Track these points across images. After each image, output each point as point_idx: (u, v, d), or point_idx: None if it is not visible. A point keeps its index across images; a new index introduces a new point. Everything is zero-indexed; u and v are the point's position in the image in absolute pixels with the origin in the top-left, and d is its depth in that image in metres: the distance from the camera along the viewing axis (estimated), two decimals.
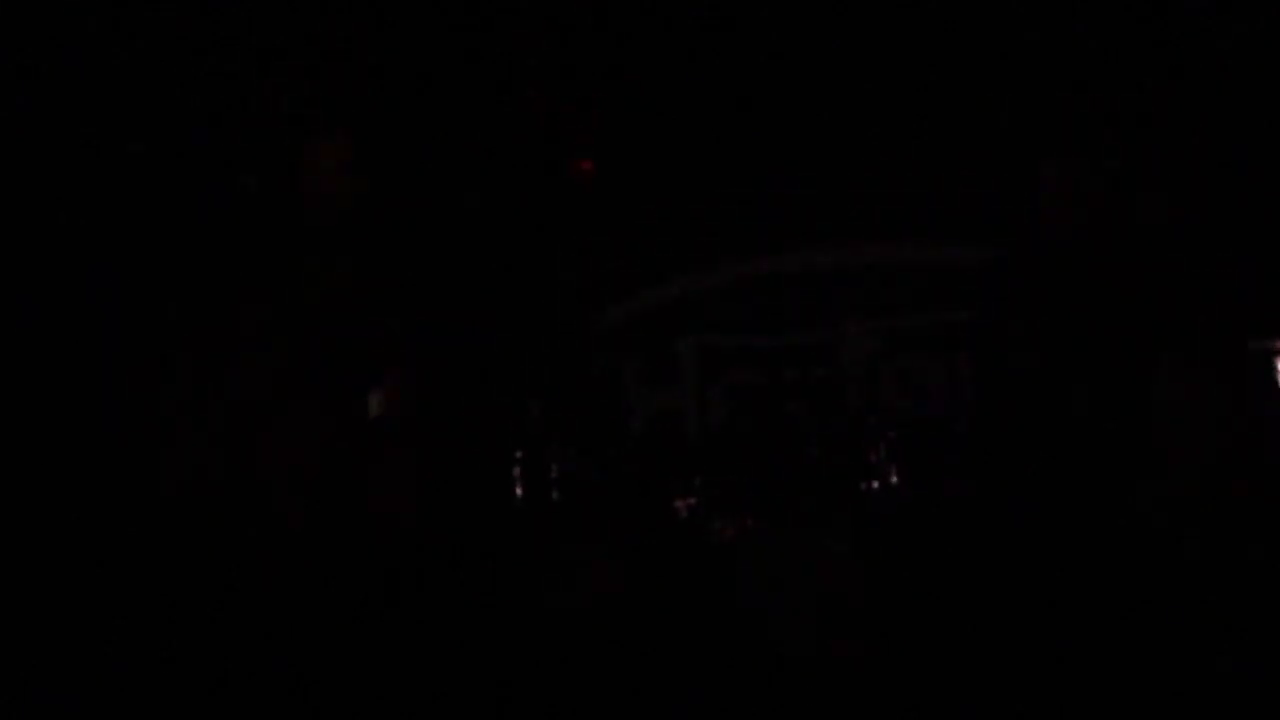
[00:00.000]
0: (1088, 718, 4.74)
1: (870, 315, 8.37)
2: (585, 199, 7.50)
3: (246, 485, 5.45)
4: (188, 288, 5.66)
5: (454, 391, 6.60)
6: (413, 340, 6.47)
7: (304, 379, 5.72)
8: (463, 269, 6.76)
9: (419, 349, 6.51)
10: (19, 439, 5.09)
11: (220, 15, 5.74)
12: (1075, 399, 6.08)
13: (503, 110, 6.68)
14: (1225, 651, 4.82)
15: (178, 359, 5.56)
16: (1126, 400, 5.87)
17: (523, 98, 6.72)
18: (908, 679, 4.93)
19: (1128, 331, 5.95)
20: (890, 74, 6.87)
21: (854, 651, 4.96)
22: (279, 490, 5.49)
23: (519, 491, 7.14)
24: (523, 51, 6.57)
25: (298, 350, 5.76)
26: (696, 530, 7.06)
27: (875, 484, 7.45)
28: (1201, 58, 5.78)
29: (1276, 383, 6.06)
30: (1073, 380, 6.11)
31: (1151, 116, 5.91)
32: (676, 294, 8.47)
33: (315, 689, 4.93)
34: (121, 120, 5.53)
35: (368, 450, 6.02)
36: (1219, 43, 5.71)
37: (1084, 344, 6.10)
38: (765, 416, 8.26)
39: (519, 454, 7.17)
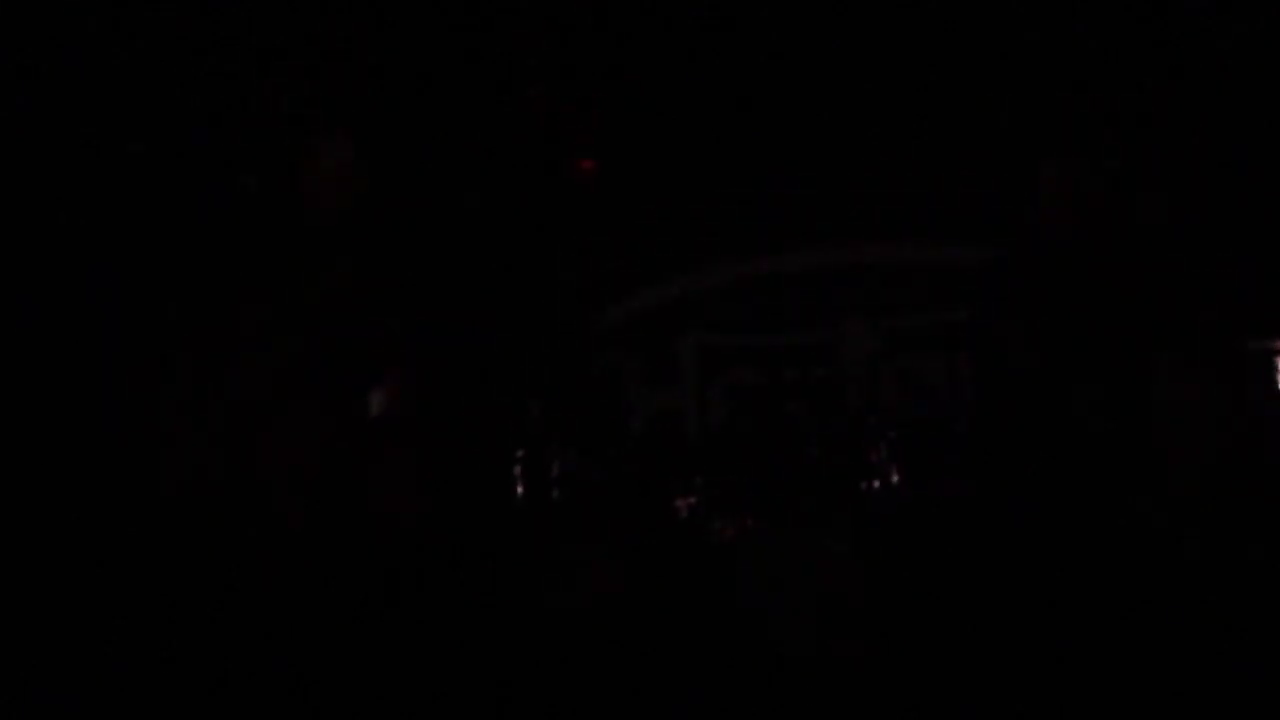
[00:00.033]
0: (1088, 718, 4.74)
1: (870, 315, 8.36)
2: (585, 199, 7.50)
3: (246, 485, 5.45)
4: (188, 288, 5.65)
5: (454, 391, 6.60)
6: (413, 340, 6.47)
7: (304, 379, 5.72)
8: (463, 269, 6.75)
9: (419, 349, 6.50)
10: (19, 439, 5.09)
11: (220, 15, 5.74)
12: (1075, 399, 6.07)
13: (503, 110, 6.68)
14: (1225, 651, 4.82)
15: (178, 359, 5.55)
16: (1126, 400, 5.87)
17: (523, 98, 6.72)
18: (908, 679, 4.93)
19: (1127, 332, 5.95)
20: (890, 74, 6.87)
21: (854, 651, 4.96)
22: (279, 490, 5.48)
23: (519, 491, 7.13)
24: (523, 51, 6.57)
25: (298, 350, 5.75)
26: (696, 530, 7.06)
27: (875, 484, 7.45)
28: (1201, 58, 5.78)
29: (1276, 383, 6.05)
30: (1073, 380, 6.10)
31: (1151, 116, 5.91)
32: (676, 294, 8.47)
33: (315, 689, 4.92)
34: (121, 120, 5.53)
35: (368, 450, 6.01)
36: (1219, 43, 5.71)
37: (1084, 344, 6.09)
38: (765, 416, 8.26)
39: (519, 454, 7.17)
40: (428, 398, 6.45)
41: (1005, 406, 6.78)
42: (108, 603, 4.98)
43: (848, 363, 8.37)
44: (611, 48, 6.72)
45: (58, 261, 5.30)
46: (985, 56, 6.42)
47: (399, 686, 5.04)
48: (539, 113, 6.84)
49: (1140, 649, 4.92)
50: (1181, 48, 5.81)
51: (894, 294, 8.33)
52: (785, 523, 6.77)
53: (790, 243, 8.30)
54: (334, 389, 5.85)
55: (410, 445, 6.22)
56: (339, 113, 6.02)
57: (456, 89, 6.43)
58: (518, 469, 7.14)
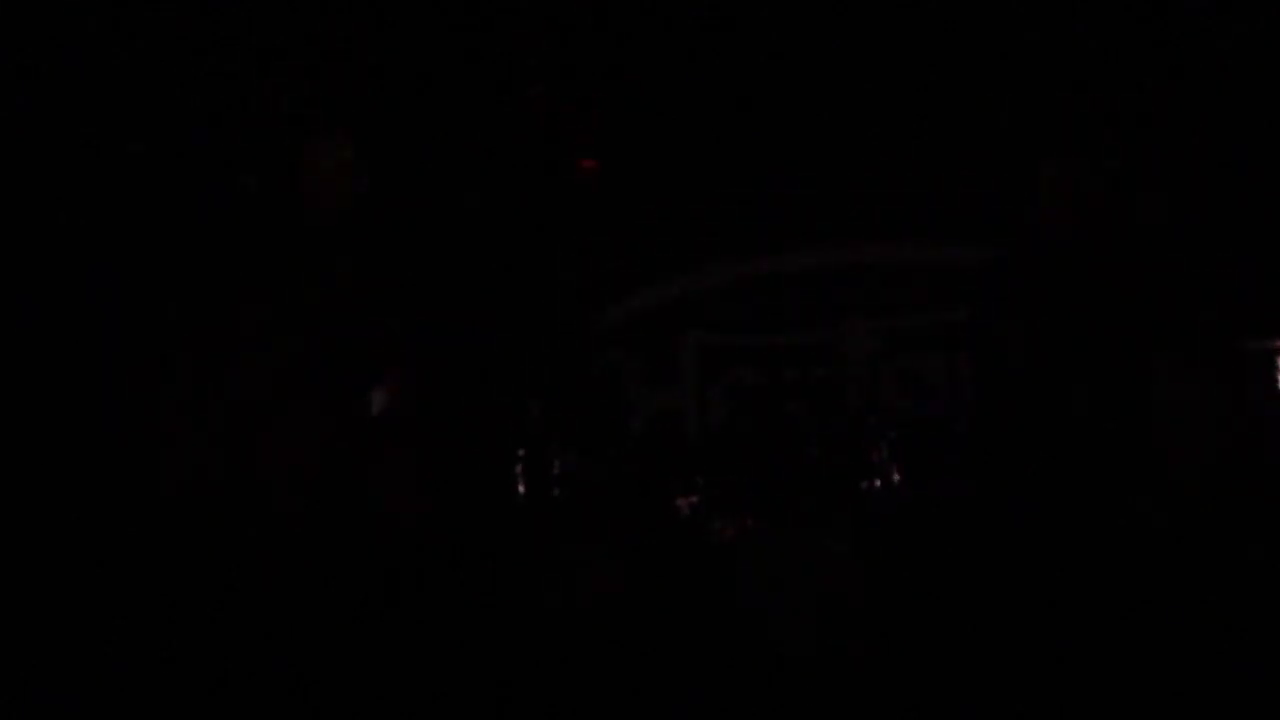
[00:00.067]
0: (1088, 718, 4.74)
1: (871, 315, 8.36)
2: (585, 199, 7.49)
3: (246, 485, 5.45)
4: (188, 288, 5.66)
5: (454, 391, 6.60)
6: (413, 340, 6.47)
7: (304, 379, 5.73)
8: (463, 269, 6.76)
9: (419, 349, 6.51)
10: (19, 439, 5.09)
11: (220, 15, 5.74)
12: (1075, 399, 6.08)
13: (503, 110, 6.68)
14: (1225, 651, 4.82)
15: (178, 359, 5.56)
16: (1126, 400, 5.87)
17: (523, 98, 6.72)
18: (908, 679, 4.92)
19: (1127, 331, 5.96)
20: (891, 74, 6.86)
21: (854, 651, 4.96)
22: (279, 490, 5.49)
23: (520, 490, 7.14)
24: (523, 51, 6.57)
25: (298, 350, 5.76)
26: (697, 530, 7.06)
27: (875, 483, 7.45)
28: (1201, 58, 5.78)
29: (1276, 383, 6.05)
30: (1072, 380, 6.11)
31: (1151, 116, 5.91)
32: (677, 294, 8.47)
33: (315, 689, 4.92)
34: (121, 120, 5.53)
35: (368, 450, 6.02)
36: (1219, 43, 5.71)
37: (1083, 344, 6.10)
38: (765, 416, 8.25)
39: (520, 454, 7.17)
40: (428, 398, 6.46)
41: (1005, 406, 6.79)
42: (108, 601, 4.98)
43: (848, 363, 8.37)
44: (611, 48, 6.71)
45: (58, 261, 5.30)
46: (985, 56, 6.42)
47: (399, 686, 5.04)
48: (539, 113, 6.84)
49: (1140, 648, 4.92)
50: (1181, 48, 5.81)
51: (894, 294, 8.33)
52: (785, 523, 6.76)
53: (791, 243, 8.30)
54: (334, 389, 5.86)
55: (410, 445, 6.23)
56: (339, 113, 6.02)
57: (456, 89, 6.43)
58: (519, 468, 7.15)
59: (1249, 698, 4.60)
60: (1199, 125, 5.80)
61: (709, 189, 7.80)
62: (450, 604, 5.47)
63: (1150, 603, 5.11)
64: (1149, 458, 5.72)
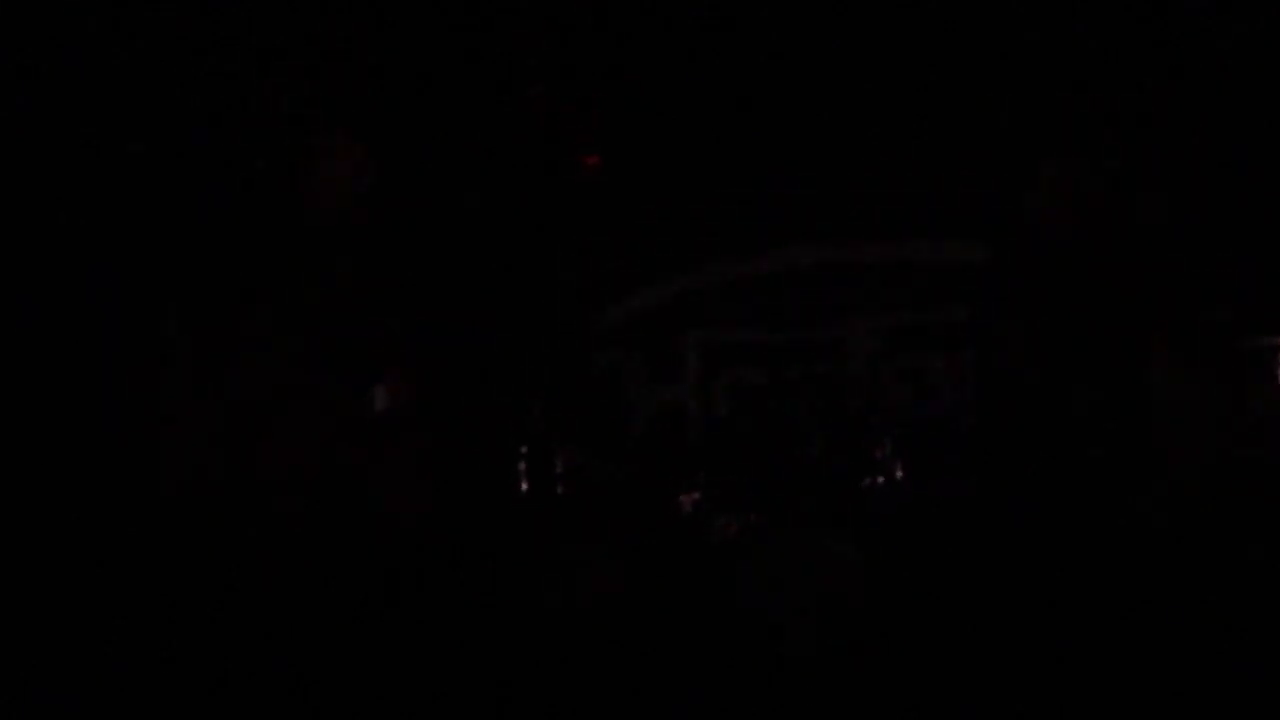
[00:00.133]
0: (1088, 718, 4.74)
1: (874, 313, 8.36)
2: (586, 198, 7.49)
3: (246, 485, 5.45)
4: (188, 288, 5.66)
5: (454, 391, 6.61)
6: (413, 340, 6.48)
7: (304, 379, 5.73)
8: (463, 269, 6.76)
9: (419, 349, 6.51)
10: (19, 439, 5.09)
11: (220, 15, 5.74)
12: (1075, 399, 6.07)
13: (503, 110, 6.67)
14: (1225, 651, 4.82)
15: (178, 359, 5.56)
16: (1126, 400, 5.87)
17: (523, 97, 6.72)
18: (908, 679, 4.92)
19: (1127, 331, 5.95)
20: (891, 73, 6.86)
21: (854, 651, 4.96)
22: (279, 490, 5.49)
23: (522, 489, 7.14)
24: (523, 51, 6.56)
25: (298, 350, 5.76)
26: (698, 529, 7.06)
27: (878, 482, 7.44)
28: (1201, 58, 5.77)
29: (1276, 381, 6.04)
30: (1072, 380, 6.10)
31: (1151, 116, 5.90)
32: (679, 292, 8.47)
33: (315, 689, 4.93)
34: (121, 120, 5.53)
35: (368, 450, 6.02)
36: (1219, 43, 5.70)
37: (1083, 343, 6.10)
38: (768, 414, 8.25)
39: (521, 453, 7.17)
40: (428, 397, 6.46)
41: (1005, 406, 6.78)
42: (108, 602, 4.99)
43: (850, 361, 8.36)
44: (611, 48, 6.71)
45: (58, 261, 5.30)
46: (985, 56, 6.41)
47: (399, 686, 5.04)
48: (539, 113, 6.84)
49: (1140, 648, 4.92)
50: (1181, 48, 5.80)
51: (896, 292, 8.32)
52: (786, 522, 6.76)
53: (794, 240, 8.30)
54: (334, 389, 5.86)
55: (411, 445, 6.23)
56: (339, 113, 6.02)
57: (456, 89, 6.42)
58: (521, 465, 7.15)
59: (1249, 697, 4.60)
60: (1199, 125, 5.80)
61: (710, 188, 7.79)
62: (450, 604, 5.47)
63: (1150, 602, 5.11)
64: (1149, 458, 5.71)
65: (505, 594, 5.55)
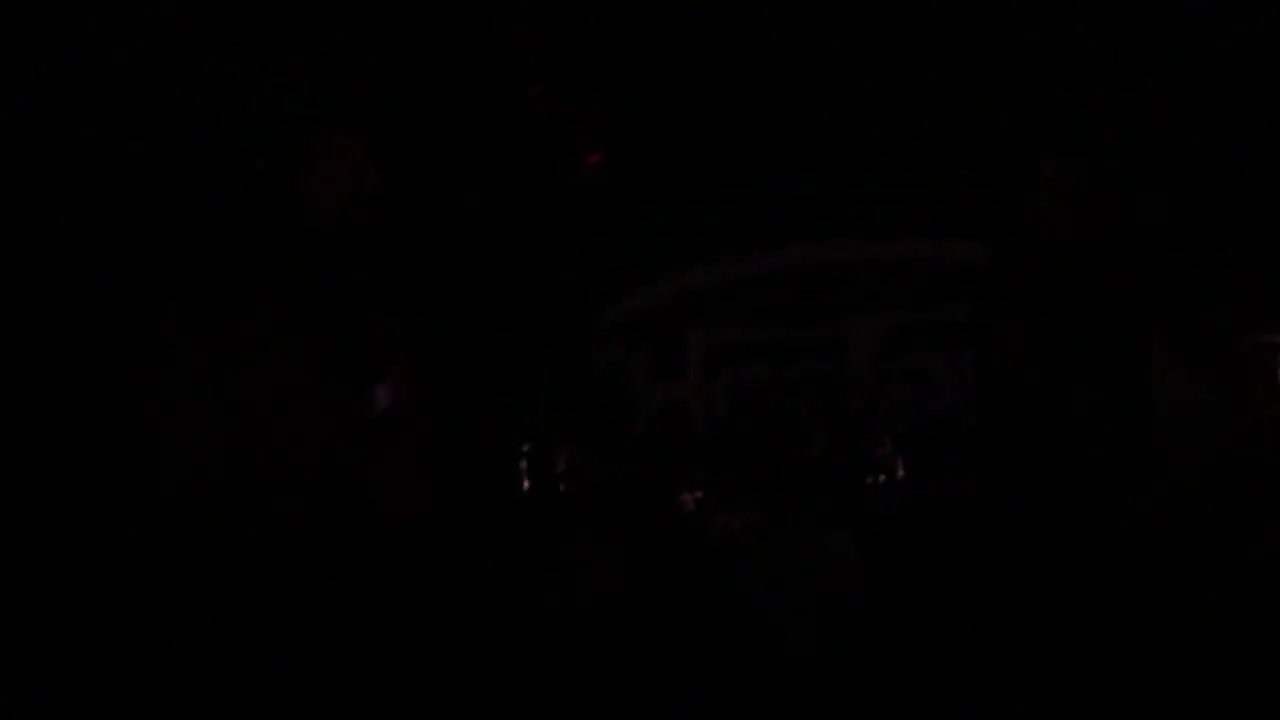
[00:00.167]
0: (1088, 718, 4.74)
1: (874, 313, 8.37)
2: (586, 198, 7.50)
3: (246, 485, 5.46)
4: (188, 287, 5.66)
5: (455, 391, 6.61)
6: (413, 340, 6.48)
7: (304, 379, 5.73)
8: (463, 269, 6.76)
9: (420, 348, 6.51)
10: (19, 439, 5.09)
11: (221, 15, 5.74)
12: (1075, 398, 6.08)
13: (503, 110, 6.68)
14: (1225, 650, 4.82)
15: (178, 359, 5.56)
16: (1126, 400, 5.87)
17: (523, 97, 6.72)
18: (908, 679, 4.92)
19: (1127, 330, 5.96)
20: (891, 73, 6.86)
21: (854, 651, 4.96)
22: (279, 490, 5.49)
23: (522, 489, 7.15)
24: (523, 51, 6.57)
25: (298, 350, 5.77)
26: (698, 528, 7.06)
27: (879, 480, 7.46)
28: (1201, 58, 5.77)
29: (1276, 381, 6.04)
30: (1072, 380, 6.11)
31: (1151, 116, 5.91)
32: (682, 291, 8.49)
33: (315, 689, 4.93)
34: (121, 120, 5.53)
35: (369, 449, 6.02)
36: (1219, 43, 5.70)
37: (1083, 343, 6.10)
38: (769, 413, 8.27)
39: (522, 452, 7.18)
40: (428, 397, 6.47)
41: (1005, 406, 6.79)
42: (108, 601, 4.99)
43: (851, 360, 8.38)
44: (611, 48, 6.71)
45: (58, 261, 5.30)
46: (985, 56, 6.41)
47: (399, 685, 5.04)
48: (540, 113, 6.84)
49: (1140, 647, 4.92)
50: (1181, 48, 5.80)
51: (897, 292, 8.34)
52: (786, 521, 6.77)
53: (797, 239, 8.32)
54: (334, 389, 5.86)
55: (411, 445, 6.24)
56: (340, 113, 6.02)
57: (456, 88, 6.42)
58: (522, 465, 7.16)
59: (1249, 697, 4.60)
60: (1199, 125, 5.80)
61: (710, 188, 7.80)
62: (450, 603, 5.48)
63: (1150, 602, 5.11)
64: (1149, 457, 5.71)
65: (505, 594, 5.54)
